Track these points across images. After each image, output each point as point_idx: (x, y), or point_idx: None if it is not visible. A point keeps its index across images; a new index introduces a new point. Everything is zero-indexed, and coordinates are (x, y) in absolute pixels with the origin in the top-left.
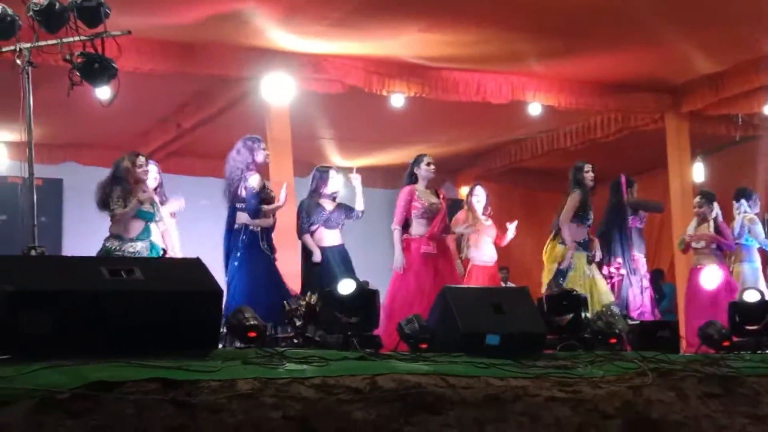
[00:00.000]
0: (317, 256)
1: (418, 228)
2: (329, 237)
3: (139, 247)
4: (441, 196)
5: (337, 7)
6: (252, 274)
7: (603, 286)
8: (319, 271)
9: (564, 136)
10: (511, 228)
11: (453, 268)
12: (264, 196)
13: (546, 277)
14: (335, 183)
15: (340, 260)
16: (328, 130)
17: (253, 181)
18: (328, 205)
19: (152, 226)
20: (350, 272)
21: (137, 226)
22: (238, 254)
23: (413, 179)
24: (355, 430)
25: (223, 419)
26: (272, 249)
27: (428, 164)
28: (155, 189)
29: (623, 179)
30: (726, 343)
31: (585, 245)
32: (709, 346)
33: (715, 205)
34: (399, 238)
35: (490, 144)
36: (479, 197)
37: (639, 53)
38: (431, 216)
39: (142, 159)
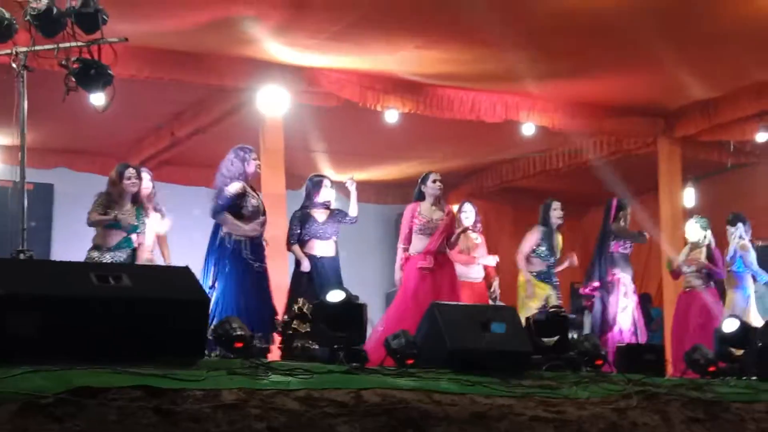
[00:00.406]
0: (305, 266)
1: (417, 244)
2: (321, 247)
3: (119, 257)
4: (446, 212)
5: (334, 21)
6: (235, 284)
7: None
8: (307, 280)
9: (556, 157)
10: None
11: (453, 282)
12: (242, 204)
13: (519, 307)
14: (328, 192)
15: (329, 271)
16: (321, 143)
17: (233, 187)
18: (321, 216)
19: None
20: (338, 284)
21: (116, 235)
22: (224, 263)
23: (421, 196)
24: None
25: (206, 429)
26: (258, 258)
27: (434, 181)
28: (148, 197)
29: (614, 203)
30: (712, 369)
31: (546, 276)
32: (695, 371)
33: (709, 232)
34: (400, 255)
35: (482, 162)
36: (468, 214)
37: (633, 77)
38: (431, 232)
39: (131, 171)
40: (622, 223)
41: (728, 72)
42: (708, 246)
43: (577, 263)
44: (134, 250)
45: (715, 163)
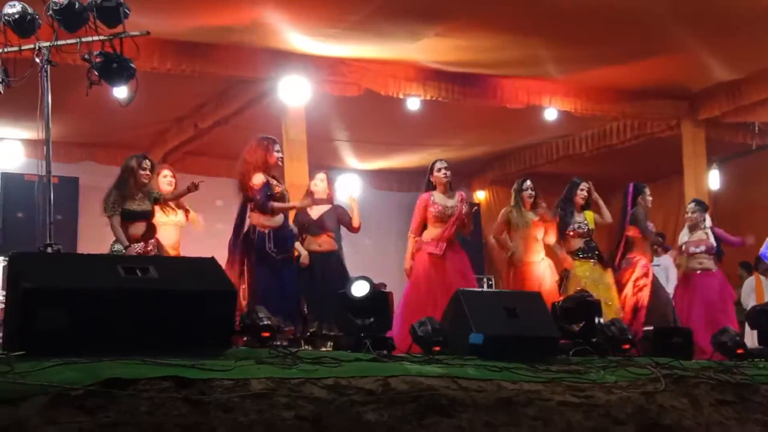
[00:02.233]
0: (304, 258)
1: (432, 232)
2: (312, 244)
3: (142, 248)
4: (460, 199)
5: (354, 10)
6: (259, 276)
7: (613, 296)
8: (308, 277)
9: (579, 141)
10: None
11: (466, 269)
12: (270, 193)
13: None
14: (319, 186)
15: (331, 266)
16: (343, 132)
17: (257, 179)
18: (313, 212)
19: (158, 225)
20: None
21: (138, 227)
22: (250, 256)
23: (431, 186)
24: (368, 431)
25: (235, 418)
26: (283, 251)
27: (439, 169)
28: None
29: (630, 188)
30: (740, 351)
31: (586, 251)
32: (723, 354)
33: (707, 215)
34: (411, 244)
35: (505, 149)
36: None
37: (656, 60)
38: (446, 220)
39: (147, 163)
40: (641, 210)
41: (752, 53)
42: (711, 228)
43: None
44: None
45: (739, 145)
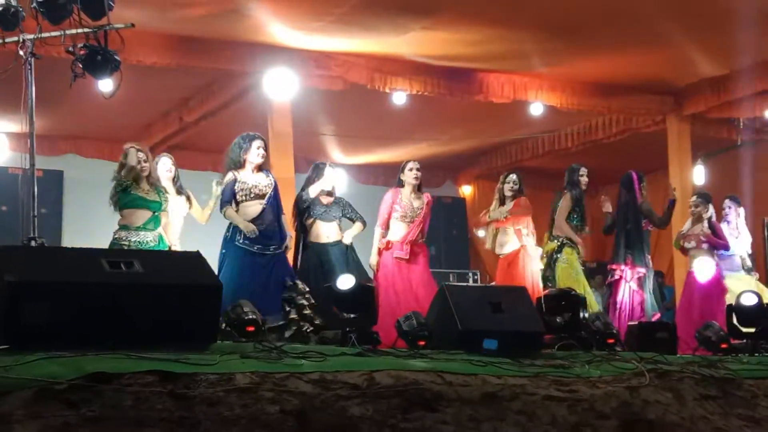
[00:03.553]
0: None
1: (396, 231)
2: (326, 230)
3: (145, 237)
4: (426, 202)
5: (340, 3)
6: (230, 269)
7: (590, 295)
8: (315, 269)
9: (565, 136)
10: None
11: (424, 271)
12: (239, 187)
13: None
14: (330, 178)
15: (338, 257)
16: (329, 126)
17: (227, 177)
18: (324, 199)
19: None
20: (350, 269)
21: (142, 215)
22: (222, 250)
23: (401, 184)
24: (353, 425)
25: (220, 412)
26: (257, 243)
27: (411, 169)
28: (172, 180)
29: (635, 175)
30: (724, 346)
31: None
32: (707, 349)
33: (710, 206)
34: (378, 238)
35: (491, 143)
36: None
37: (642, 55)
38: (410, 220)
39: (141, 155)
40: (645, 201)
41: (737, 49)
42: (709, 219)
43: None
44: (160, 235)
45: (724, 141)
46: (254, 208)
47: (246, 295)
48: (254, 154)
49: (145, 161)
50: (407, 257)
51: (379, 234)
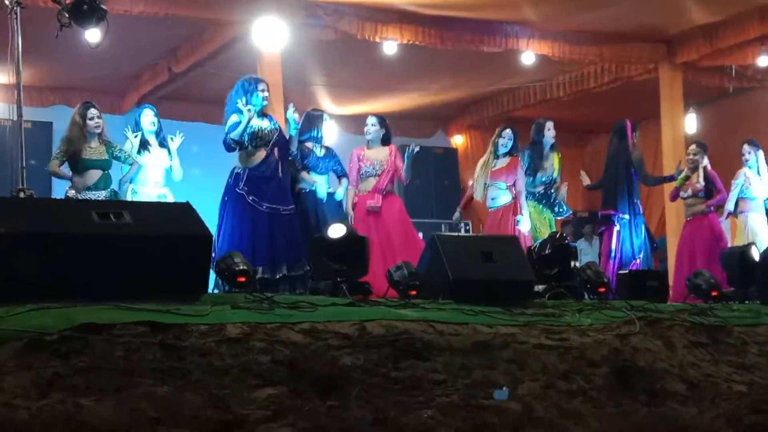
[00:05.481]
0: (322, 190)
1: (365, 185)
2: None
3: (96, 197)
4: (390, 151)
5: None
6: (230, 217)
7: None
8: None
9: (557, 85)
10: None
11: (399, 221)
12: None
13: None
14: (326, 128)
15: (333, 208)
16: (320, 76)
17: (229, 121)
18: (318, 151)
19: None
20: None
21: (91, 175)
22: (224, 199)
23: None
24: (344, 374)
25: (211, 362)
26: (257, 194)
27: (366, 125)
28: (157, 133)
29: (628, 124)
30: (714, 293)
31: (540, 198)
32: (697, 296)
33: (706, 156)
34: (351, 196)
35: (482, 93)
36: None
37: (634, 3)
38: (377, 173)
39: (93, 111)
40: (636, 152)
41: None
42: (705, 168)
43: (566, 193)
44: (115, 192)
45: (716, 89)
46: (258, 154)
47: (247, 244)
48: (261, 97)
49: (99, 117)
50: (379, 205)
51: (352, 192)
